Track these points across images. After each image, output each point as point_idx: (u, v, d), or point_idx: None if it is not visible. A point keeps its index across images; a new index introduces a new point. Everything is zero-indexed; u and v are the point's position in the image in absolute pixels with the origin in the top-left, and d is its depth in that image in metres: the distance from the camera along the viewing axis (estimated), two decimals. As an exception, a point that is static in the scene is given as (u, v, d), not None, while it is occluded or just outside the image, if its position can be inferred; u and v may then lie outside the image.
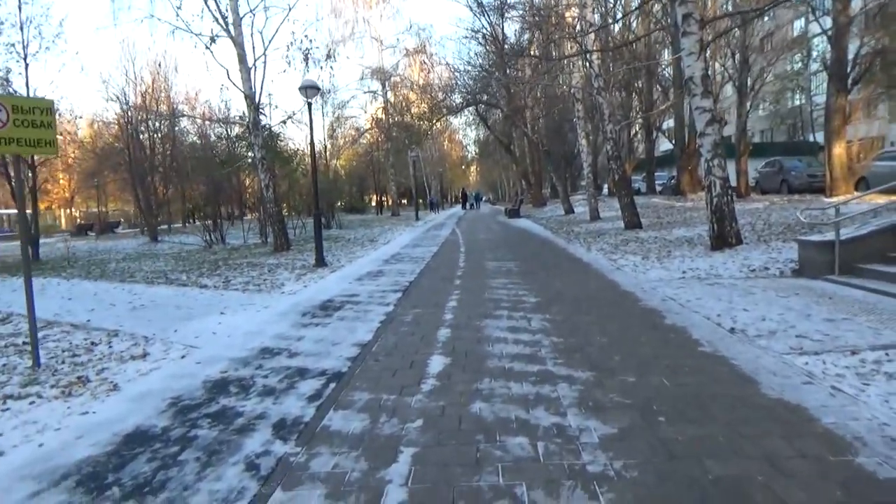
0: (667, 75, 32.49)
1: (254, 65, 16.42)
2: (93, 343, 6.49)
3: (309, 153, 44.83)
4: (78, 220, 54.42)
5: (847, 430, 3.19)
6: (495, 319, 6.42)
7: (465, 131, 59.57)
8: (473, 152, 72.79)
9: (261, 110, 19.21)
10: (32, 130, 5.50)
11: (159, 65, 31.70)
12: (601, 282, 8.78)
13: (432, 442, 3.33)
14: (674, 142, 30.63)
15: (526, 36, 31.50)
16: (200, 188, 28.21)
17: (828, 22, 20.06)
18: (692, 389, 3.93)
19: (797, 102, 44.26)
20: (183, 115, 29.09)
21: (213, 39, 15.95)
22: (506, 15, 30.68)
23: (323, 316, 7.26)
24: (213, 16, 16.00)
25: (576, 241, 15.14)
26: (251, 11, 16.22)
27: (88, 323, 7.78)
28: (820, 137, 40.87)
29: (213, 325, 7.05)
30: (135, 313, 8.35)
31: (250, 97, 16.59)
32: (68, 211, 68.12)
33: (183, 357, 5.66)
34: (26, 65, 19.84)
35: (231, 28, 16.22)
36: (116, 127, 29.65)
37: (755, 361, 4.46)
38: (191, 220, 36.59)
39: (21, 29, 19.75)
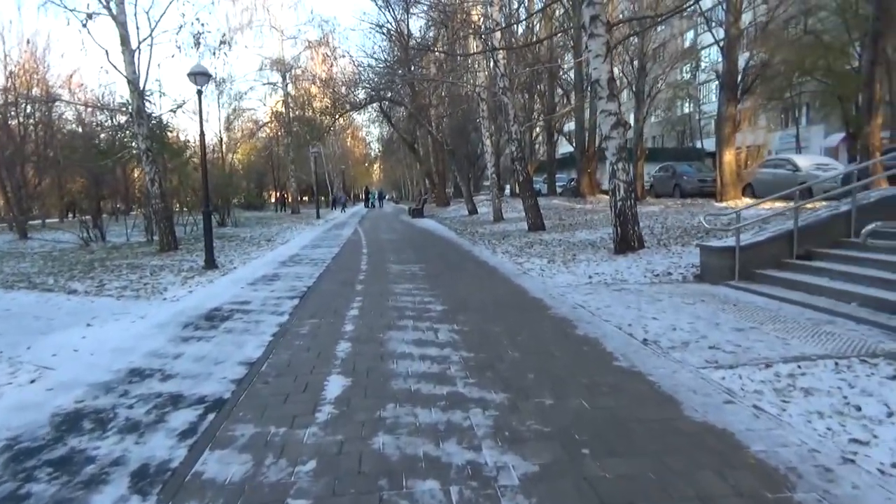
0: (568, 79, 33.24)
1: (138, 47, 15.08)
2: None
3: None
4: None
5: (779, 460, 2.96)
6: (400, 331, 5.95)
7: (368, 128, 58.79)
8: (377, 150, 72.01)
9: (147, 97, 17.81)
10: None
11: (28, 41, 28.94)
12: (508, 287, 8.51)
13: (326, 492, 2.81)
14: (574, 144, 31.29)
15: (431, 33, 31.22)
16: (80, 180, 26.00)
17: (721, 33, 20.98)
18: (613, 413, 3.63)
19: (686, 110, 46.69)
20: (59, 100, 26.57)
21: (89, 17, 14.51)
22: (411, 10, 30.34)
23: (207, 328, 6.52)
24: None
25: (481, 242, 14.93)
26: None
27: (-78, 337, 6.64)
28: (707, 144, 43.37)
29: (75, 340, 6.16)
30: (-17, 325, 7.25)
31: (134, 82, 15.23)
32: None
33: (32, 382, 4.82)
34: None
35: (112, 5, 14.82)
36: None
37: (673, 377, 4.24)
38: (70, 216, 33.79)
39: None
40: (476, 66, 22.88)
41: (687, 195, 24.07)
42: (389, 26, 32.38)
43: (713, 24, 23.27)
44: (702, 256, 8.60)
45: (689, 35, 38.29)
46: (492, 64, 18.57)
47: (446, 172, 41.05)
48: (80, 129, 29.15)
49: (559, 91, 33.40)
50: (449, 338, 5.60)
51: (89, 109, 25.06)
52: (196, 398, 4.22)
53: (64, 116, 31.37)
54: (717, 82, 30.29)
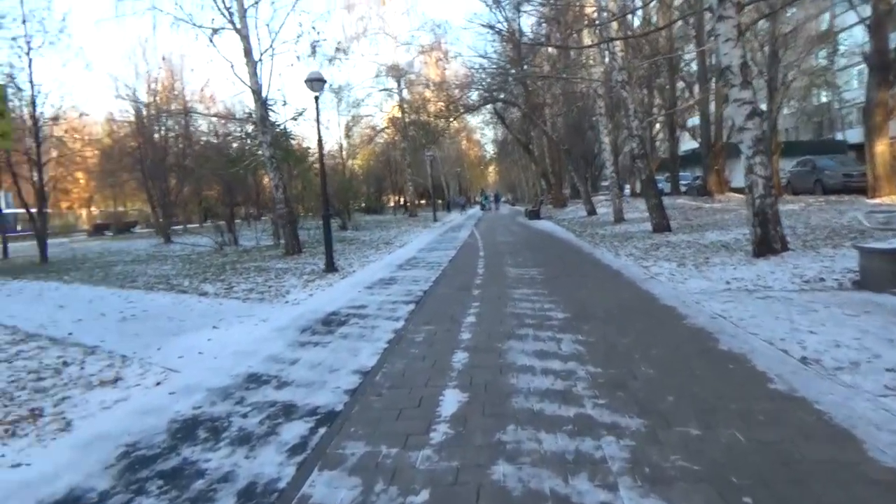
0: (690, 70, 31.44)
1: (260, 58, 15.73)
2: (65, 363, 5.76)
3: (325, 152, 44.28)
4: (96, 220, 54.38)
5: None
6: (519, 340, 5.58)
7: (483, 130, 58.63)
8: (491, 152, 71.95)
9: (270, 107, 18.57)
10: (-14, 124, 4.79)
11: (166, 59, 31.22)
12: (636, 293, 7.89)
13: (441, 532, 2.51)
14: (699, 140, 29.49)
15: (543, 30, 30.55)
16: (215, 188, 27.73)
17: (867, 10, 18.92)
18: (777, 450, 3.07)
19: (824, 99, 42.85)
20: (192, 112, 28.48)
21: (215, 31, 15.28)
22: (521, 8, 29.84)
23: (324, 332, 6.47)
24: (217, 7, 15.32)
25: (602, 244, 14.24)
26: (255, 3, 15.51)
27: (69, 337, 7.06)
28: (850, 135, 39.60)
29: (201, 343, 6.29)
30: (122, 326, 7.64)
31: (257, 92, 15.89)
32: (88, 210, 68.44)
33: (158, 384, 4.90)
34: (30, 60, 19.37)
35: (236, 20, 15.54)
36: (129, 126, 29.14)
37: (847, 407, 3.57)
38: (207, 221, 36.14)
39: (24, 22, 19.27)
40: (591, 60, 22.07)
41: (830, 191, 21.98)
42: (500, 26, 32.08)
43: (857, 1, 21.00)
44: (861, 260, 7.55)
45: (825, 18, 35.03)
46: (608, 57, 17.74)
47: (562, 173, 40.15)
48: (214, 140, 31.16)
49: (680, 84, 31.66)
50: (573, 349, 5.16)
51: (221, 120, 26.59)
52: (308, 409, 4.07)
53: (200, 129, 33.71)
54: (860, 67, 27.47)
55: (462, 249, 15.62)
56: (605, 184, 51.17)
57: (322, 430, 3.68)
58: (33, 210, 22.02)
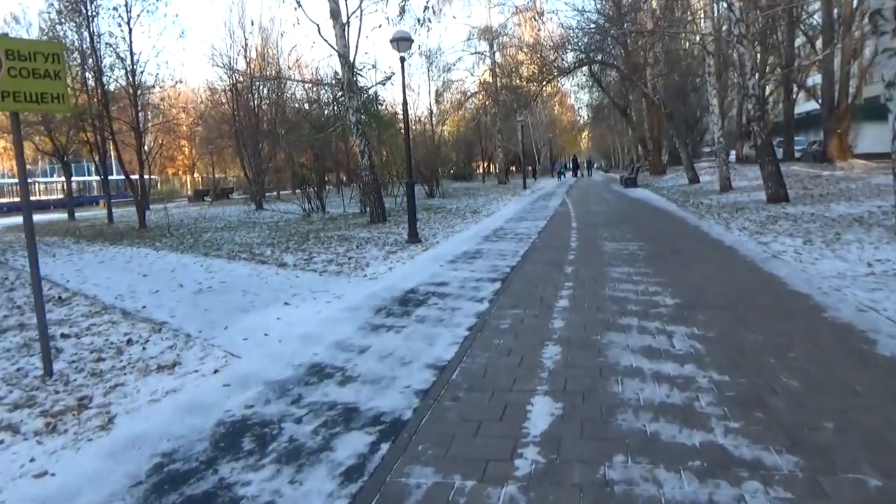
0: (813, 22, 28.49)
1: (347, 20, 15.17)
2: (129, 341, 5.45)
3: (414, 118, 43.65)
4: (196, 187, 56.68)
5: None
6: (622, 333, 4.75)
7: (577, 94, 56.31)
8: (586, 117, 69.34)
9: (358, 71, 18.11)
10: (34, 81, 4.39)
11: (260, 27, 31.38)
12: (756, 275, 6.82)
13: None
14: (820, 101, 26.75)
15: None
16: (306, 154, 27.87)
17: None
18: None
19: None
20: (281, 78, 28.52)
21: (303, -7, 14.84)
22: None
23: (400, 314, 5.86)
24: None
25: (709, 216, 12.93)
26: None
27: (142, 310, 6.84)
28: None
29: (270, 322, 5.85)
30: (196, 299, 7.36)
31: (344, 56, 15.42)
32: (192, 177, 71.70)
33: (215, 372, 4.45)
34: (129, 29, 19.75)
35: (324, -21, 15.03)
36: (224, 93, 29.66)
37: None
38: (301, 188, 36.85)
39: (125, -7, 19.63)
40: (701, 14, 20.22)
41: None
42: (601, -19, 30.23)
43: None
44: None
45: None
46: (720, 10, 16.04)
47: (661, 138, 37.89)
48: (307, 106, 31.28)
49: (799, 40, 28.77)
50: (689, 347, 4.30)
51: (313, 86, 26.50)
52: (372, 415, 3.46)
53: (294, 95, 33.91)
54: None
55: (553, 220, 14.69)
56: (706, 150, 48.29)
57: (384, 448, 3.05)
58: (133, 177, 22.74)
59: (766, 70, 29.06)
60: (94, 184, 57.65)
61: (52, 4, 20.62)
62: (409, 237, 11.80)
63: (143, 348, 5.23)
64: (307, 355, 4.67)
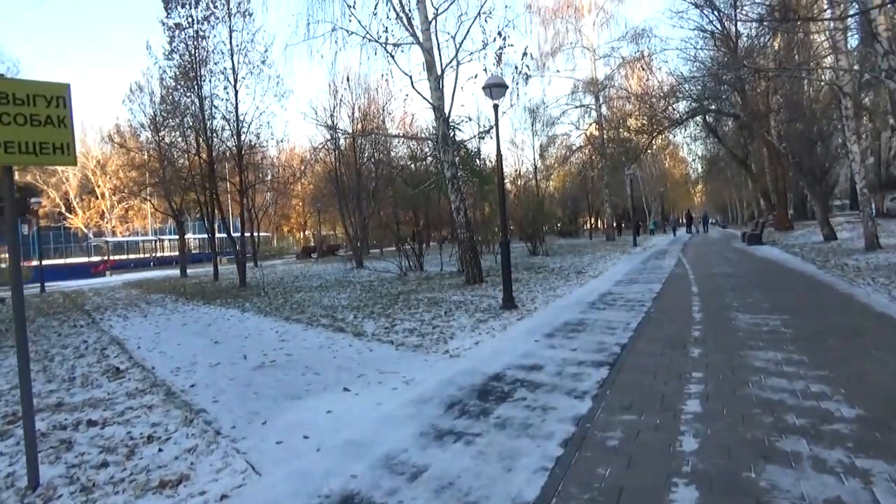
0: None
1: (442, 72, 14.53)
2: (150, 438, 4.56)
3: (516, 173, 42.84)
4: (302, 244, 58.36)
5: None
6: (788, 469, 3.26)
7: (690, 146, 53.58)
8: (699, 170, 65.97)
9: (455, 125, 17.43)
10: (32, 130, 3.65)
11: (365, 87, 31.90)
12: (963, 370, 5.03)
13: None
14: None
15: (764, 33, 26.40)
16: (408, 211, 27.52)
17: None
18: None
19: None
20: (374, 133, 28.54)
21: (397, 46, 14.38)
22: (739, 3, 26.01)
23: (476, 413, 4.61)
24: (401, 20, 14.43)
25: (861, 281, 10.82)
26: (437, 13, 14.37)
27: (188, 391, 6.01)
28: None
29: (317, 416, 4.79)
30: (252, 377, 6.45)
31: (439, 109, 14.71)
32: (303, 234, 74.43)
33: (222, 499, 3.38)
34: (236, 91, 20.21)
35: (419, 33, 14.53)
36: (326, 151, 30.09)
37: None
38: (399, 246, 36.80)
39: (232, 56, 20.19)
40: (828, 51, 18.11)
41: None
42: (714, 28, 28.45)
43: None
44: None
45: None
46: (856, 45, 14.03)
47: (787, 191, 34.73)
48: (406, 162, 31.19)
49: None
50: (907, 507, 2.76)
51: (412, 142, 26.26)
52: None
53: (397, 153, 34.05)
54: None
55: (669, 283, 12.96)
56: (836, 203, 43.99)
57: None
58: (235, 235, 23.05)
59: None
60: (216, 242, 60.92)
61: (165, 71, 21.56)
62: (503, 303, 10.59)
63: (160, 449, 4.28)
64: (343, 478, 3.51)
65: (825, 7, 16.85)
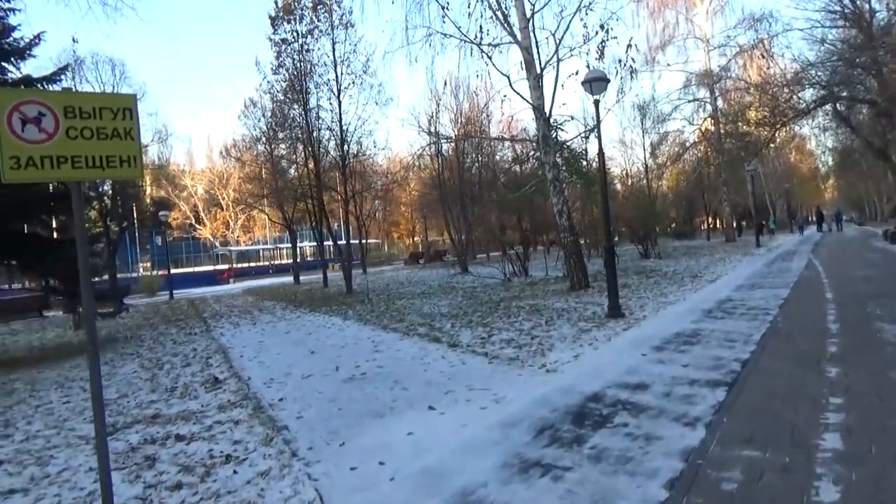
0: None
1: (541, 70, 13.98)
2: (228, 457, 4.42)
3: (625, 173, 41.17)
4: (411, 250, 59.17)
5: None
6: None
7: (819, 137, 49.44)
8: (829, 163, 60.84)
9: (558, 125, 16.83)
10: (98, 143, 3.57)
11: (475, 93, 31.71)
12: None
13: None
14: None
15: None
16: (511, 216, 27.09)
17: None
18: None
19: None
20: (472, 137, 28.24)
21: (495, 47, 14.01)
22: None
23: (569, 441, 4.11)
24: (497, 19, 14.04)
25: None
26: (534, 11, 13.85)
27: (277, 404, 5.92)
28: None
29: (397, 438, 4.49)
30: (340, 390, 6.28)
31: (539, 108, 14.18)
32: (412, 240, 75.67)
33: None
34: (339, 101, 20.62)
35: (516, 31, 14.07)
36: (429, 157, 30.22)
37: None
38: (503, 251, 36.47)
39: (335, 67, 20.62)
40: None
41: None
42: (843, 6, 25.90)
43: None
44: None
45: None
46: None
47: (937, 182, 31.17)
48: (510, 165, 30.69)
49: None
50: None
51: (514, 144, 25.78)
52: None
53: (503, 156, 33.66)
54: None
55: (798, 288, 11.70)
56: None
57: None
58: (342, 243, 23.49)
59: None
60: (327, 249, 63.37)
61: (273, 85, 22.30)
62: (609, 311, 9.91)
63: (235, 472, 4.12)
64: (413, 520, 3.15)
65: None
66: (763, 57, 33.07)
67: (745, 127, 33.01)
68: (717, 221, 55.76)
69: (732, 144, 34.82)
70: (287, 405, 5.82)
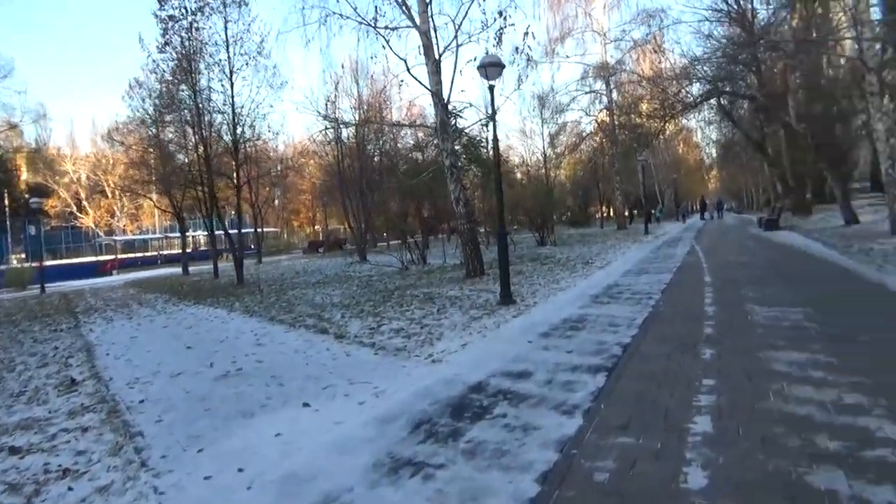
0: None
1: (439, 56, 13.77)
2: (65, 472, 3.93)
3: (524, 161, 41.82)
4: (310, 238, 57.85)
5: None
6: (825, 518, 2.54)
7: (703, 131, 52.36)
8: (713, 155, 64.68)
9: (458, 112, 16.70)
10: None
11: (373, 78, 31.15)
12: None
13: None
14: None
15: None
16: (408, 203, 26.80)
17: None
18: None
19: None
20: (370, 122, 27.77)
21: (393, 30, 13.68)
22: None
23: (446, 436, 3.90)
24: (396, 2, 13.69)
25: (891, 267, 9.95)
26: (433, -5, 13.61)
27: (135, 407, 5.37)
28: None
29: (264, 440, 4.13)
30: (211, 389, 5.80)
31: (437, 94, 13.95)
32: (313, 229, 73.94)
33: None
34: (231, 83, 19.59)
35: (415, 15, 13.77)
36: (327, 143, 29.44)
37: None
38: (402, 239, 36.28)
39: (227, 47, 19.55)
40: (853, 24, 17.14)
41: None
42: (727, 6, 27.33)
43: None
44: None
45: None
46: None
47: (805, 174, 33.58)
48: (415, 154, 30.36)
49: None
50: None
51: (412, 130, 25.52)
52: None
53: (405, 144, 33.22)
54: None
55: (680, 273, 12.16)
56: (855, 186, 42.52)
57: None
58: (234, 232, 22.47)
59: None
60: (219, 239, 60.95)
61: (158, 64, 20.84)
62: (500, 298, 9.86)
63: (70, 488, 3.64)
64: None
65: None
66: (655, 52, 34.45)
67: (637, 119, 34.26)
68: (611, 210, 57.93)
69: (626, 136, 36.09)
70: (147, 408, 5.30)
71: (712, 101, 30.34)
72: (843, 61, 27.30)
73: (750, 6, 27.09)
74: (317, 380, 5.72)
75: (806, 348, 5.27)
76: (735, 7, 27.24)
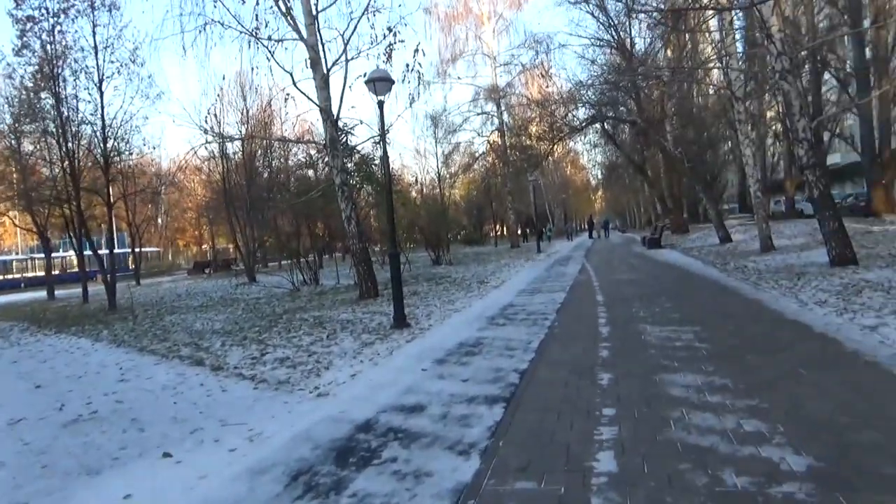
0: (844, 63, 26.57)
1: (328, 71, 13.28)
2: None
3: (419, 181, 41.78)
4: (196, 259, 55.00)
5: None
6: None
7: (589, 154, 54.66)
8: (599, 177, 67.77)
9: (348, 129, 16.22)
10: None
11: (258, 90, 30.00)
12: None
13: None
14: (860, 150, 24.50)
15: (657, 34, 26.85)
16: (300, 221, 25.87)
17: None
18: None
19: None
20: (256, 137, 26.78)
21: (279, 42, 13.07)
22: (633, 14, 26.28)
23: (325, 491, 3.41)
24: (281, 12, 13.07)
25: (765, 284, 10.45)
26: (318, 10, 13.18)
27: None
28: None
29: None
30: (55, 439, 4.99)
31: (326, 110, 13.44)
32: (199, 248, 70.33)
33: None
34: (101, 92, 18.10)
35: (301, 28, 13.24)
36: (211, 159, 28.01)
37: None
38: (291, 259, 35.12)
39: (96, 53, 18.08)
40: (714, 59, 18.34)
41: None
42: (611, 38, 28.66)
43: None
44: None
45: None
46: (765, 41, 13.91)
47: (682, 195, 35.67)
48: (309, 171, 29.39)
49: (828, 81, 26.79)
50: None
51: (298, 146, 24.72)
52: None
53: (297, 161, 32.13)
54: None
55: (573, 292, 12.25)
56: (726, 207, 45.80)
57: None
58: (104, 253, 20.73)
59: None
60: (94, 259, 56.71)
61: (14, 69, 19.00)
62: (394, 321, 9.45)
63: None
64: None
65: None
66: (542, 76, 35.50)
67: (527, 140, 35.12)
68: (504, 229, 59.11)
69: (517, 156, 36.94)
70: (-28, 464, 4.46)
71: (597, 125, 31.58)
72: (711, 90, 29.34)
73: (629, 37, 28.58)
74: (184, 423, 5.06)
75: (699, 370, 5.22)
76: (615, 37, 28.62)
